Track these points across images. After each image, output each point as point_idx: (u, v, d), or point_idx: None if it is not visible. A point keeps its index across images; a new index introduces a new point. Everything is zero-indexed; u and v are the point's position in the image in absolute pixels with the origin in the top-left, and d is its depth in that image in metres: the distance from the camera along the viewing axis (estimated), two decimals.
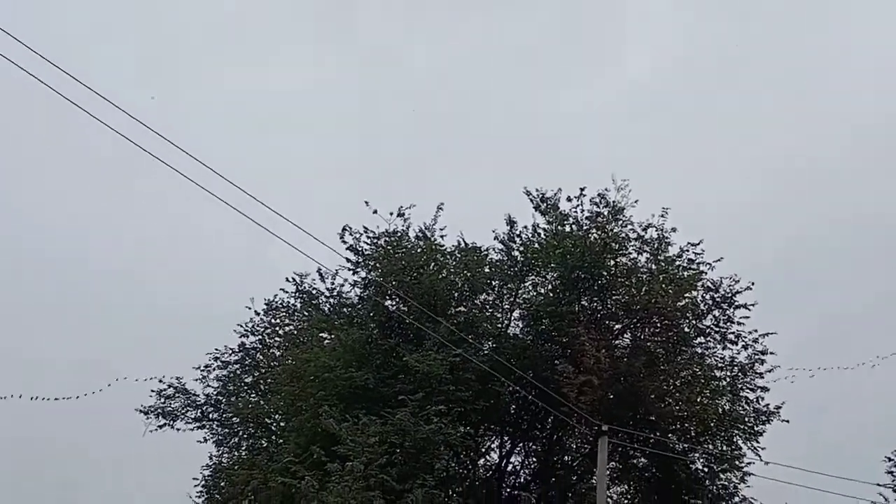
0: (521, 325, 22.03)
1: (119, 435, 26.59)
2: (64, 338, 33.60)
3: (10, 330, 31.74)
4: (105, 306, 36.22)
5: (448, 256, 21.42)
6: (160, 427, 24.01)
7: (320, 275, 22.71)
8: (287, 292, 23.93)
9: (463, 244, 21.63)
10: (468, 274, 21.07)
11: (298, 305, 24.15)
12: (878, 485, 20.88)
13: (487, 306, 21.72)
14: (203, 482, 22.74)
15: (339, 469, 16.39)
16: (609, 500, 21.07)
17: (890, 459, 21.97)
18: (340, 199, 32.41)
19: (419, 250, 20.87)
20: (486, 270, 21.58)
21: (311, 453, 17.41)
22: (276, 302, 24.37)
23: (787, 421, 21.07)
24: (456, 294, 21.12)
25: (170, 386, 24.22)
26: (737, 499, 21.21)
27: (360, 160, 41.18)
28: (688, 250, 21.47)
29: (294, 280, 23.53)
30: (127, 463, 29.24)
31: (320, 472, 16.89)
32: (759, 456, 20.55)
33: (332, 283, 22.74)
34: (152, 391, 24.06)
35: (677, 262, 21.46)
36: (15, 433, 27.37)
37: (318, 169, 41.61)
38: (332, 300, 22.97)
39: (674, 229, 21.38)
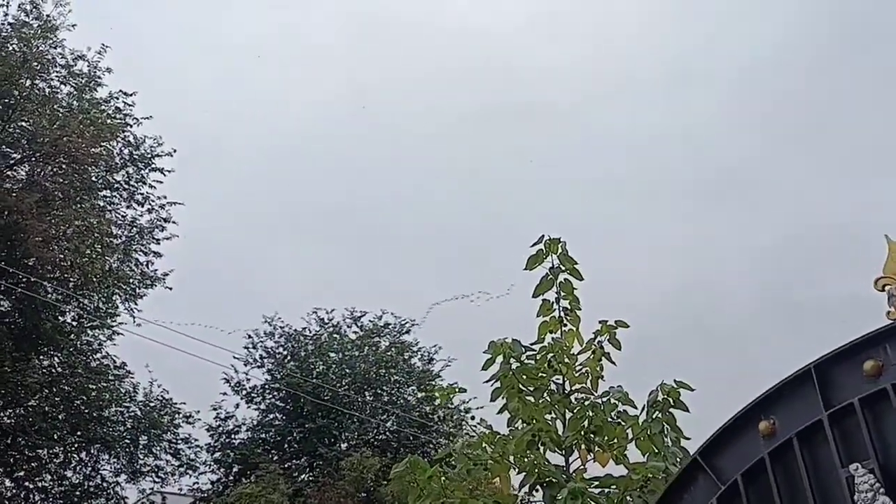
0: None
1: None
2: None
3: None
4: None
5: None
6: None
7: None
8: None
9: None
10: None
11: None
12: (235, 356, 23.22)
13: None
14: None
15: None
16: None
17: (249, 336, 24.27)
18: None
19: None
20: None
21: None
22: None
23: (171, 288, 21.66)
24: None
25: None
26: (100, 354, 21.08)
27: None
28: (118, 97, 20.47)
29: None
30: None
31: None
32: (134, 317, 20.71)
33: None
34: None
35: (103, 107, 20.27)
36: None
37: None
38: None
39: (109, 70, 20.05)
